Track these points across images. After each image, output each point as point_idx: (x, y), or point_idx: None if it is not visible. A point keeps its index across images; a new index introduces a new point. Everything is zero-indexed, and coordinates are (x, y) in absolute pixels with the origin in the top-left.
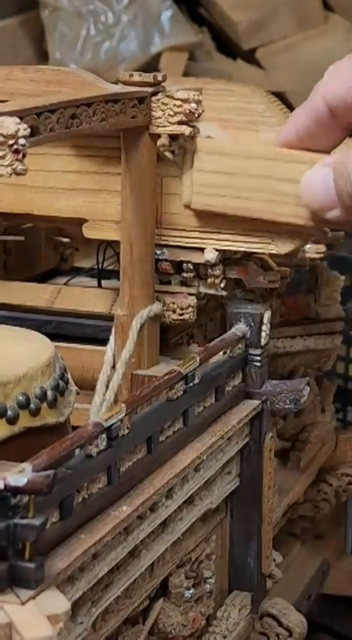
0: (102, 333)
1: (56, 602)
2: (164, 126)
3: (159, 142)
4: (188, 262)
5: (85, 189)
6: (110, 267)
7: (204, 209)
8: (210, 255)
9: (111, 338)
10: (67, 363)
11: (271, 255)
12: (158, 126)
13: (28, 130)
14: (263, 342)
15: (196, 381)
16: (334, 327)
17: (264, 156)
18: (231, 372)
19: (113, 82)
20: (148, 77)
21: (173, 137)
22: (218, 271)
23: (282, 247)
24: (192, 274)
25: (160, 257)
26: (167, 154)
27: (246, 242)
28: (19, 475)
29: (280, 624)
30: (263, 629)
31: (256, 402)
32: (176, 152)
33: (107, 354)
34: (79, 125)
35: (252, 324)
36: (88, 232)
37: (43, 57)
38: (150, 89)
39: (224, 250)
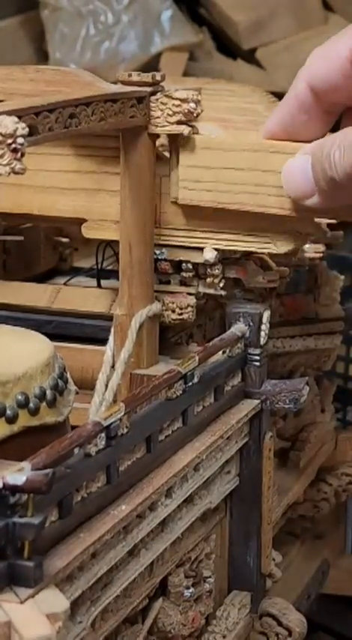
0: (102, 332)
1: (55, 601)
2: (163, 126)
3: (158, 142)
4: (187, 262)
5: (84, 189)
6: (109, 267)
7: (192, 204)
8: (209, 255)
9: (111, 338)
10: (66, 363)
11: (270, 255)
12: (157, 126)
13: (27, 129)
14: (262, 341)
15: (195, 380)
16: (333, 326)
17: (249, 148)
18: (230, 371)
19: (113, 82)
20: (147, 77)
21: (172, 137)
22: (217, 271)
23: (281, 247)
24: (191, 274)
25: (159, 257)
26: (166, 153)
27: (245, 242)
28: (18, 474)
29: (280, 624)
30: (262, 628)
31: (255, 402)
32: None
33: (106, 354)
34: (78, 125)
35: (252, 323)
36: (87, 232)
37: (43, 57)
38: (148, 89)
39: (223, 250)
